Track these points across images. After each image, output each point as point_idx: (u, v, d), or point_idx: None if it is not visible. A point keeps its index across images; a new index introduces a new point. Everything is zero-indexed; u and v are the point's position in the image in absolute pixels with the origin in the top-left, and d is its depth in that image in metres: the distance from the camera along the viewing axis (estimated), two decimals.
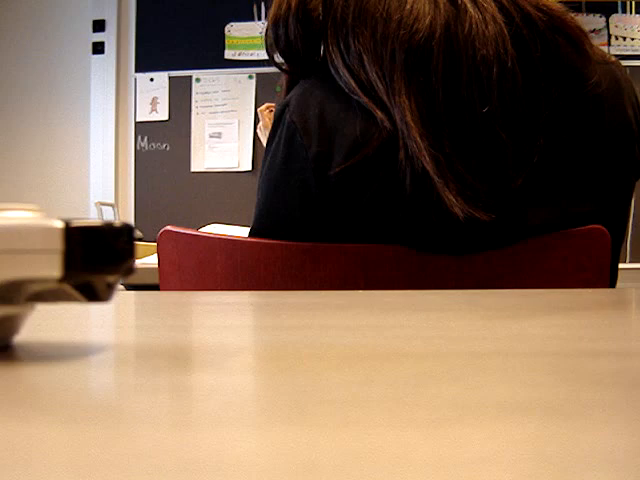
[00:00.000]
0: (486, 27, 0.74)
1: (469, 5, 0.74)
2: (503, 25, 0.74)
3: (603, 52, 0.84)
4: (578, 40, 0.77)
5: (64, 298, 0.26)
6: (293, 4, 0.81)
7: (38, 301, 0.26)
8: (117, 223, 0.25)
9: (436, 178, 0.71)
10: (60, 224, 0.24)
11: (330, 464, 0.13)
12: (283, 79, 0.87)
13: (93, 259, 0.24)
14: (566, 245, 0.77)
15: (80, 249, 0.24)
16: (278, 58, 0.85)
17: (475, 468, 0.13)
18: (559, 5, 0.78)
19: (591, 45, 0.78)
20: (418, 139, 0.71)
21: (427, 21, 0.73)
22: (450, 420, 0.17)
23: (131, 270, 0.25)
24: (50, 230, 0.24)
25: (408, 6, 0.75)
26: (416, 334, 0.33)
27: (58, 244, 0.23)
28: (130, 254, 0.25)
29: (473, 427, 0.16)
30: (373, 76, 0.75)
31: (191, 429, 0.16)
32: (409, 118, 0.72)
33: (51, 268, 0.23)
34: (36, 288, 0.25)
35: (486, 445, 0.15)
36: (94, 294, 0.25)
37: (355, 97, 0.75)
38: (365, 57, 0.75)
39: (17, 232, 0.24)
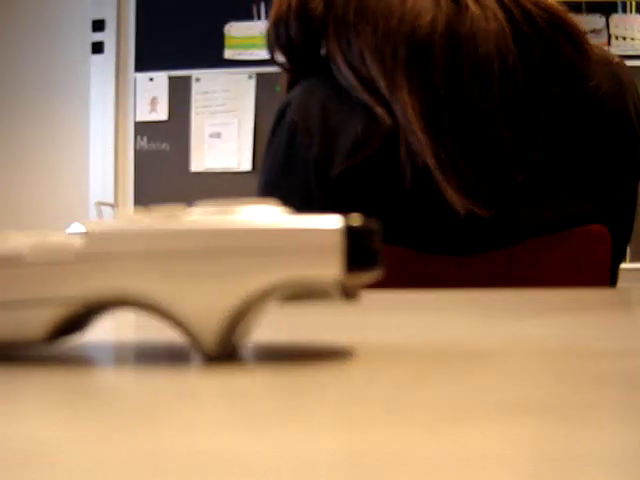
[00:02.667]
0: (487, 24, 0.74)
1: (470, 2, 0.74)
2: (504, 22, 0.74)
3: (606, 52, 0.84)
4: (578, 39, 0.77)
5: (318, 297, 0.26)
6: (294, 3, 0.81)
7: (286, 300, 0.26)
8: (373, 223, 0.25)
9: (437, 173, 0.71)
10: (339, 223, 0.24)
11: (330, 464, 0.13)
12: (283, 79, 0.87)
13: (362, 258, 0.24)
14: (566, 245, 0.77)
15: (355, 248, 0.24)
16: (279, 57, 0.85)
17: (475, 468, 0.13)
18: (559, 4, 0.78)
19: (590, 45, 0.78)
20: (420, 135, 0.72)
21: (428, 17, 0.74)
22: (450, 420, 0.17)
23: (381, 270, 0.25)
24: (333, 229, 0.23)
25: (409, 3, 0.75)
26: (416, 334, 0.33)
27: (338, 243, 0.23)
28: (382, 254, 0.25)
29: (473, 427, 0.16)
30: (374, 73, 0.75)
31: (191, 429, 0.16)
32: (411, 114, 0.72)
33: (332, 268, 0.23)
34: (301, 286, 0.24)
35: (486, 445, 0.15)
36: (350, 293, 0.25)
37: (356, 94, 0.75)
38: (366, 54, 0.75)
39: (298, 231, 0.24)
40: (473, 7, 0.74)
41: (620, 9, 3.02)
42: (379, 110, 0.73)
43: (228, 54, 3.27)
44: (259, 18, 3.22)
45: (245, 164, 3.25)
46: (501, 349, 0.28)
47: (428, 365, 0.24)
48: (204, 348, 0.24)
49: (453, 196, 0.71)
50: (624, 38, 3.00)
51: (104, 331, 0.35)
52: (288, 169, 0.77)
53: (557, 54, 0.76)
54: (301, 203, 0.77)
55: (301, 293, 0.25)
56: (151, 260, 0.24)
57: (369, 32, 0.75)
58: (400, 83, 0.73)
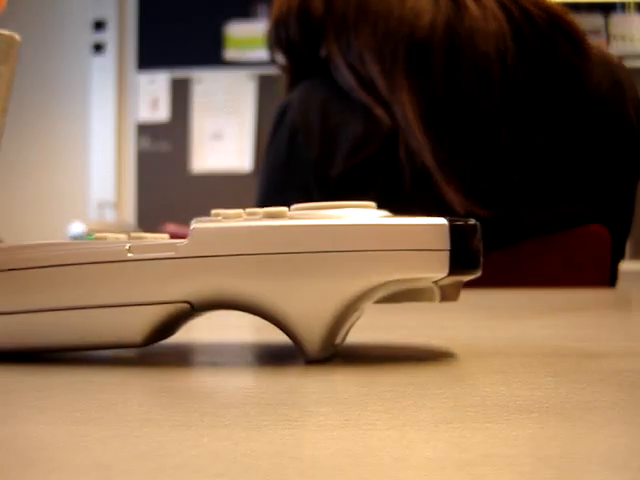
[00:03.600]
0: (487, 24, 0.74)
1: (469, 2, 0.74)
2: (503, 22, 0.74)
3: (606, 53, 0.84)
4: (577, 38, 0.77)
5: (417, 298, 0.25)
6: (294, 4, 0.81)
7: (386, 301, 0.25)
8: (474, 222, 0.25)
9: (436, 174, 0.71)
10: (446, 222, 0.23)
11: (330, 464, 0.13)
12: (284, 79, 0.87)
13: (466, 258, 0.24)
14: (566, 245, 0.77)
15: (461, 248, 0.24)
16: (280, 58, 0.85)
17: (475, 468, 0.13)
18: (558, 4, 0.78)
19: (590, 45, 0.78)
20: (419, 135, 0.71)
21: (428, 18, 0.74)
22: (450, 420, 0.17)
23: (480, 270, 0.25)
24: (439, 229, 0.23)
25: (409, 3, 0.75)
26: (416, 334, 0.33)
27: (446, 243, 0.23)
28: (482, 254, 0.25)
29: (473, 427, 0.16)
30: (374, 73, 0.75)
31: (191, 429, 0.16)
32: (410, 114, 0.72)
33: (440, 267, 0.23)
34: (404, 287, 0.24)
35: (486, 445, 0.15)
36: (450, 294, 0.25)
37: (355, 95, 0.75)
38: (366, 54, 0.75)
39: (404, 232, 0.23)
40: (472, 7, 0.74)
41: (619, 9, 3.01)
42: (378, 111, 0.73)
43: (229, 55, 3.27)
44: (259, 18, 3.22)
45: (246, 164, 3.25)
46: (501, 349, 0.28)
47: (428, 365, 0.24)
48: (307, 350, 0.24)
49: (452, 197, 0.71)
50: (623, 38, 3.00)
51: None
52: (288, 169, 0.77)
53: (556, 54, 0.76)
54: (301, 202, 0.77)
55: (399, 294, 0.25)
56: (255, 261, 0.23)
57: (369, 33, 0.75)
58: (400, 83, 0.73)
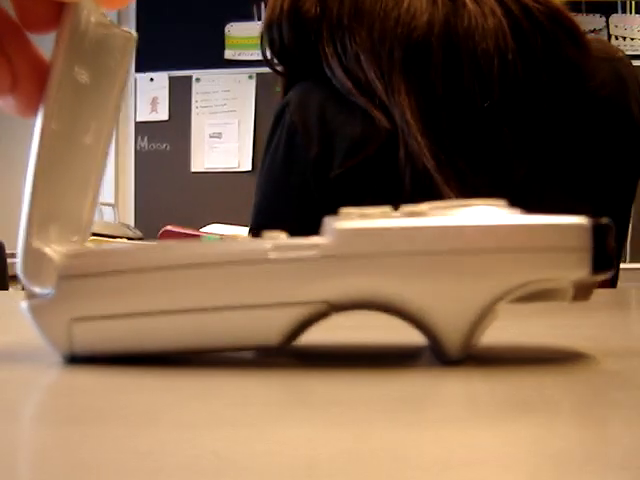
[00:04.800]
0: (485, 20, 0.73)
1: None
2: (502, 17, 0.74)
3: (608, 46, 0.83)
4: (577, 33, 0.76)
5: (549, 298, 0.25)
6: (286, 7, 0.80)
7: (518, 302, 0.25)
8: (609, 221, 0.24)
9: (437, 176, 0.71)
10: (587, 221, 0.23)
11: (330, 464, 0.13)
12: (281, 80, 0.87)
13: (604, 258, 0.23)
14: None
15: (601, 247, 0.23)
16: (274, 61, 0.85)
17: (477, 468, 0.13)
18: (558, 2, 0.78)
19: (589, 40, 0.78)
20: (419, 137, 0.71)
21: (425, 18, 0.73)
22: (452, 420, 0.17)
23: (613, 269, 0.24)
24: (581, 228, 0.23)
25: (405, 4, 0.74)
26: (415, 333, 0.33)
27: (588, 242, 0.23)
28: (615, 253, 0.25)
29: (474, 427, 0.16)
30: (371, 76, 0.74)
31: (191, 429, 0.16)
32: (409, 116, 0.72)
33: (581, 267, 0.23)
34: (542, 286, 0.24)
35: (487, 445, 0.15)
36: (581, 293, 0.24)
37: (352, 98, 0.75)
38: (362, 57, 0.75)
39: (546, 230, 0.23)
40: (470, 4, 0.74)
41: (620, 9, 3.01)
42: (376, 113, 0.73)
43: (228, 54, 3.27)
44: (259, 19, 3.22)
45: (245, 164, 3.25)
46: (500, 348, 0.28)
47: (428, 365, 0.24)
48: (448, 350, 0.24)
49: (452, 198, 0.71)
50: (624, 38, 3.00)
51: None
52: (287, 170, 0.77)
53: (557, 49, 0.75)
54: (300, 203, 0.77)
55: (532, 294, 0.24)
56: (400, 260, 0.23)
57: (365, 34, 0.75)
58: (397, 85, 0.73)
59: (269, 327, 0.24)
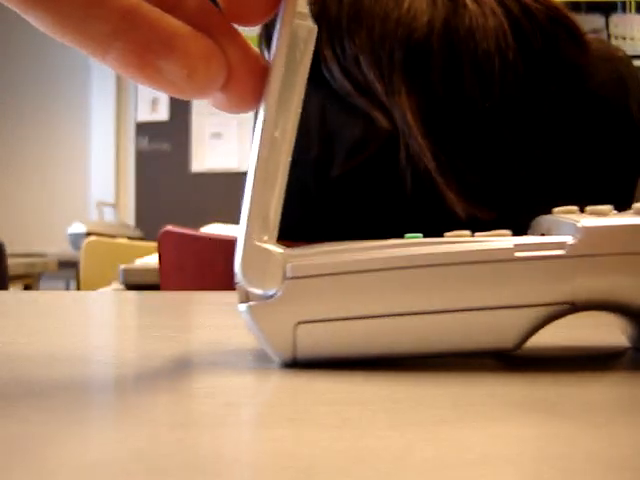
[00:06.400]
0: (486, 21, 0.73)
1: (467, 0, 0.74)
2: (502, 17, 0.74)
3: (608, 46, 0.83)
4: (577, 32, 0.76)
5: None
6: None
7: None
8: None
9: (438, 177, 0.71)
10: None
11: (330, 464, 0.13)
12: None
13: None
14: None
15: None
16: None
17: (475, 468, 0.13)
18: (558, 2, 0.78)
19: (589, 39, 0.78)
20: (420, 139, 0.71)
21: (425, 18, 0.73)
22: (450, 420, 0.17)
23: None
24: None
25: (405, 5, 0.74)
26: None
27: None
28: None
29: (473, 427, 0.16)
30: (371, 77, 0.74)
31: (191, 429, 0.16)
32: (410, 118, 0.72)
33: None
34: None
35: (486, 445, 0.15)
36: None
37: (351, 100, 0.75)
38: (362, 58, 0.75)
39: None
40: (471, 5, 0.74)
41: (620, 9, 3.01)
42: (377, 114, 0.73)
43: None
44: None
45: (246, 164, 3.24)
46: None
47: (428, 365, 0.24)
48: None
49: (454, 199, 0.71)
50: (624, 38, 3.00)
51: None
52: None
53: (557, 48, 0.75)
54: (301, 203, 0.77)
55: None
56: None
57: (364, 36, 0.75)
58: (398, 87, 0.73)
59: (507, 329, 0.23)
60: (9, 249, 2.16)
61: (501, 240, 0.23)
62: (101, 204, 3.14)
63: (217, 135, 3.29)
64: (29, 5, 0.21)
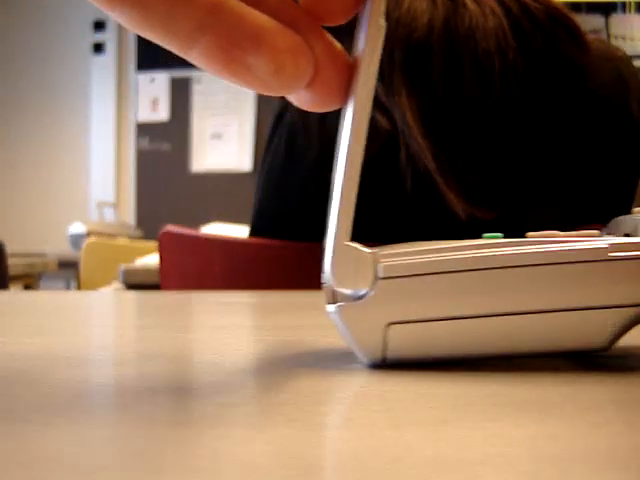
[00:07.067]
0: (486, 20, 0.73)
1: None
2: (502, 17, 0.74)
3: (609, 46, 0.83)
4: (577, 32, 0.76)
5: None
6: None
7: None
8: None
9: (438, 177, 0.71)
10: None
11: (330, 464, 0.13)
12: None
13: None
14: None
15: None
16: None
17: (475, 468, 0.13)
18: (557, 2, 0.78)
19: (589, 39, 0.78)
20: (420, 139, 0.71)
21: (425, 18, 0.73)
22: (450, 420, 0.17)
23: None
24: None
25: (405, 5, 0.74)
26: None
27: None
28: None
29: (473, 426, 0.16)
30: None
31: (191, 429, 0.16)
32: (410, 118, 0.72)
33: None
34: None
35: (486, 445, 0.15)
36: None
37: None
38: None
39: None
40: (470, 4, 0.74)
41: (620, 9, 3.01)
42: (377, 114, 0.73)
43: None
44: None
45: (246, 164, 3.25)
46: None
47: (427, 364, 0.24)
48: None
49: (454, 200, 0.71)
50: (624, 38, 3.00)
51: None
52: (288, 170, 0.77)
53: (557, 48, 0.75)
54: (301, 202, 0.77)
55: None
56: None
57: None
58: (398, 87, 0.73)
59: (599, 329, 0.23)
60: (9, 249, 2.16)
61: (593, 240, 0.23)
62: (101, 204, 3.14)
63: (217, 135, 3.29)
64: (116, 2, 0.20)
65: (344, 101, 0.24)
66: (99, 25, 3.40)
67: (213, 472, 0.13)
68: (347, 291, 0.23)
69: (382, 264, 0.23)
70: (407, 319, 0.23)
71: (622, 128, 0.78)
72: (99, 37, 3.41)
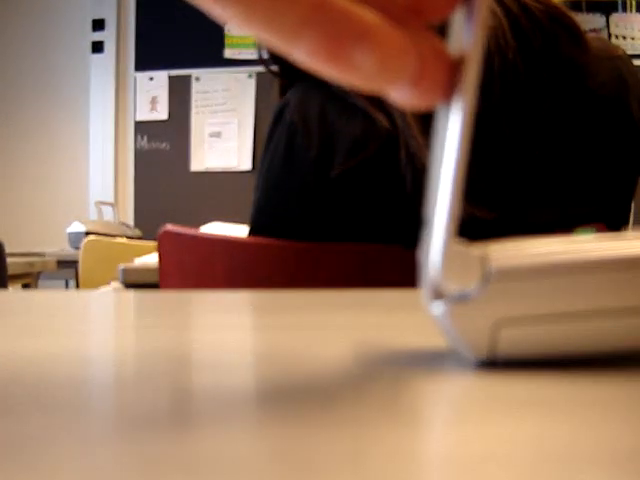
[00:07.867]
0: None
1: None
2: (502, 17, 0.74)
3: (608, 45, 0.83)
4: (576, 31, 0.76)
5: None
6: None
7: None
8: None
9: None
10: None
11: (330, 464, 0.13)
12: (277, 81, 0.87)
13: None
14: None
15: None
16: (269, 61, 0.84)
17: (476, 467, 0.13)
18: (558, 2, 0.78)
19: (589, 38, 0.78)
20: (419, 137, 0.71)
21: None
22: (450, 420, 0.17)
23: None
24: None
25: None
26: (416, 332, 0.33)
27: None
28: None
29: (473, 427, 0.16)
30: None
31: (191, 429, 0.16)
32: (409, 117, 0.72)
33: None
34: None
35: (486, 445, 0.15)
36: None
37: (351, 100, 0.75)
38: None
39: None
40: None
41: (620, 8, 3.01)
42: (377, 114, 0.73)
43: (228, 53, 3.27)
44: None
45: (245, 163, 3.25)
46: None
47: (427, 364, 0.24)
48: None
49: None
50: (624, 37, 3.00)
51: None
52: (287, 169, 0.77)
53: (557, 47, 0.75)
54: (301, 202, 0.77)
55: None
56: None
57: None
58: None
59: None
60: (8, 248, 2.16)
61: None
62: (100, 203, 3.13)
63: (216, 134, 3.29)
64: None
65: (448, 99, 0.23)
66: (98, 24, 3.40)
67: (213, 472, 0.13)
68: (455, 290, 0.23)
69: (492, 264, 0.23)
70: (515, 317, 0.23)
71: (622, 127, 0.78)
72: (98, 36, 3.41)
